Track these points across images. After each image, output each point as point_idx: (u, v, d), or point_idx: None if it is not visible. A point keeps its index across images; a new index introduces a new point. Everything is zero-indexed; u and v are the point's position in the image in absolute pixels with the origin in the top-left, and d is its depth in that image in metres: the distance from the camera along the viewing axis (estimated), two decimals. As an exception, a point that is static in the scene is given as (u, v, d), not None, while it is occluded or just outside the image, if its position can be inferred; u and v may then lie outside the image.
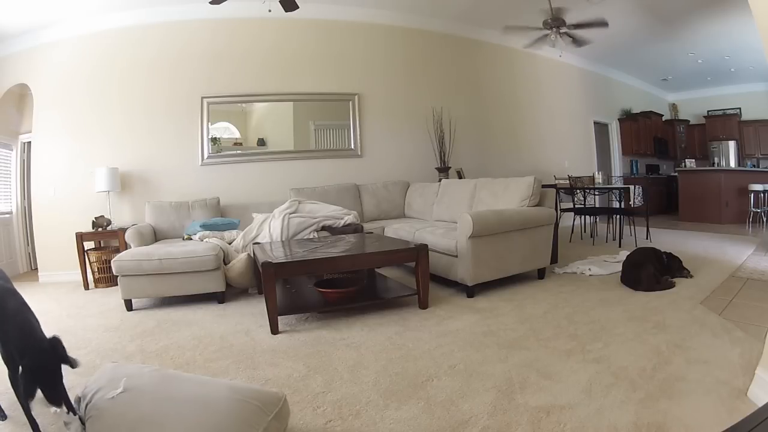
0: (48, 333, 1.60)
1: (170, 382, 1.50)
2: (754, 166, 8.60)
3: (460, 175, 5.74)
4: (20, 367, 1.46)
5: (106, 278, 4.28)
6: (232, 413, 1.33)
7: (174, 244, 3.62)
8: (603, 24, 4.94)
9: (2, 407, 1.73)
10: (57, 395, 1.53)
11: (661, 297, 2.96)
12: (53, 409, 1.72)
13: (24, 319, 1.59)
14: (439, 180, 5.16)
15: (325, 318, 2.88)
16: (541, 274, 3.71)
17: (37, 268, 4.94)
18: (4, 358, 1.58)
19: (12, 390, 1.54)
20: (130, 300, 3.35)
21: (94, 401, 1.40)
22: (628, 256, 3.48)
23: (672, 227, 6.59)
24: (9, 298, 1.66)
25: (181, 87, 4.95)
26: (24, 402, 1.52)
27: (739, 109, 9.05)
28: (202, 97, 5.00)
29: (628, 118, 8.88)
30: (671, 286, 3.17)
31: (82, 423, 1.43)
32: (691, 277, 3.41)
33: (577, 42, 5.30)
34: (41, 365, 1.48)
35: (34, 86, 4.75)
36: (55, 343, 1.55)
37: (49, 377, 1.50)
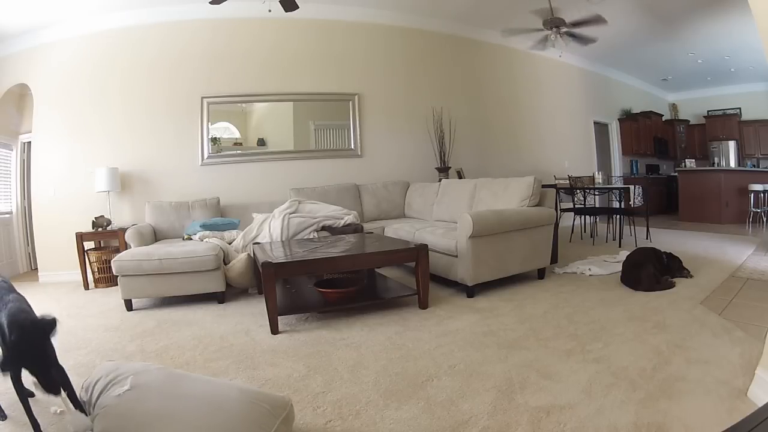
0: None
1: (177, 381, 1.50)
2: (754, 166, 8.59)
3: (460, 175, 5.74)
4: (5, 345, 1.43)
5: (106, 278, 4.28)
6: (242, 414, 1.32)
7: (174, 244, 3.62)
8: (601, 21, 4.91)
9: (2, 407, 1.73)
10: (50, 381, 1.47)
11: (661, 297, 2.96)
12: (53, 408, 1.72)
13: (15, 305, 1.57)
14: (439, 180, 5.16)
15: (325, 318, 2.88)
16: (541, 274, 3.71)
17: (37, 268, 4.94)
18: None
19: (12, 390, 1.54)
20: (130, 300, 3.35)
21: (101, 399, 1.40)
22: (628, 256, 3.48)
23: (672, 227, 6.59)
24: (4, 294, 1.67)
25: (182, 87, 4.95)
26: (20, 394, 1.50)
27: (739, 109, 9.04)
28: (202, 97, 5.00)
29: (628, 118, 8.88)
30: (671, 286, 3.17)
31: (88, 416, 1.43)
32: (691, 277, 3.41)
33: (582, 40, 5.24)
34: (26, 341, 1.44)
35: (34, 86, 4.75)
36: (40, 319, 1.51)
37: (37, 357, 1.45)
